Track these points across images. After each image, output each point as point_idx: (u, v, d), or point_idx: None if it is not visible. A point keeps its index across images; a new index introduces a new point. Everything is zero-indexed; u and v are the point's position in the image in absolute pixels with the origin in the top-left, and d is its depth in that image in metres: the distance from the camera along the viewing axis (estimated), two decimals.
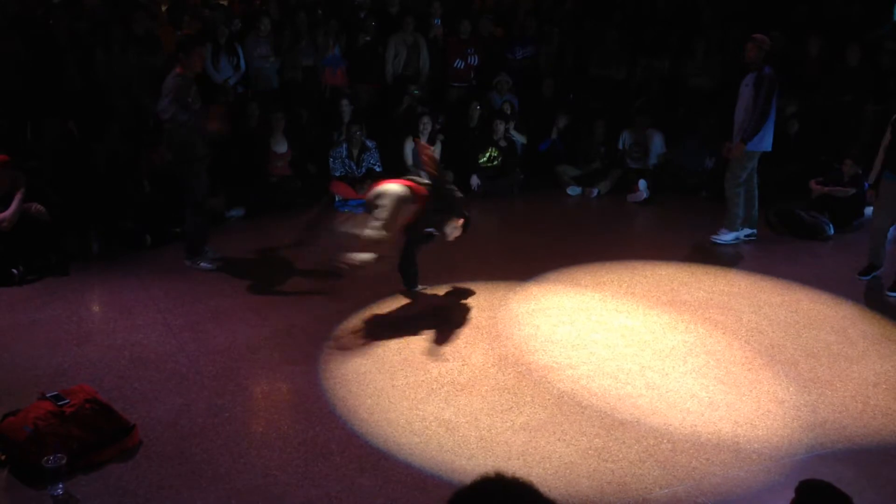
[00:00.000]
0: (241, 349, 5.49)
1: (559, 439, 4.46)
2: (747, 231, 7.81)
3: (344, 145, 9.02)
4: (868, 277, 6.83)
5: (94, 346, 5.53)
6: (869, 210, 8.37)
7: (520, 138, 9.94)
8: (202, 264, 6.98)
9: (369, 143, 9.12)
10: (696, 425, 4.61)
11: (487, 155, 9.55)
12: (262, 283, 6.70)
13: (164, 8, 10.79)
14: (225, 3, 12.68)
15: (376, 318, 6.01)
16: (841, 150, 8.52)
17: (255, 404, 4.88)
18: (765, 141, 7.48)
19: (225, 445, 4.36)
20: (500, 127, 9.56)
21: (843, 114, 9.33)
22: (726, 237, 7.72)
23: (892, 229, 7.07)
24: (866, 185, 7.57)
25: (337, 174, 8.98)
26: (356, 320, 5.97)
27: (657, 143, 9.69)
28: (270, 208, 8.59)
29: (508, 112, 9.84)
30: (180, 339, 5.63)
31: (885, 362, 5.38)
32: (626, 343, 5.62)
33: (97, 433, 4.21)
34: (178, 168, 6.81)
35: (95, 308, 6.36)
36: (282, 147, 8.90)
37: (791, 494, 2.76)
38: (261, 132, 8.90)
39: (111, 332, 5.73)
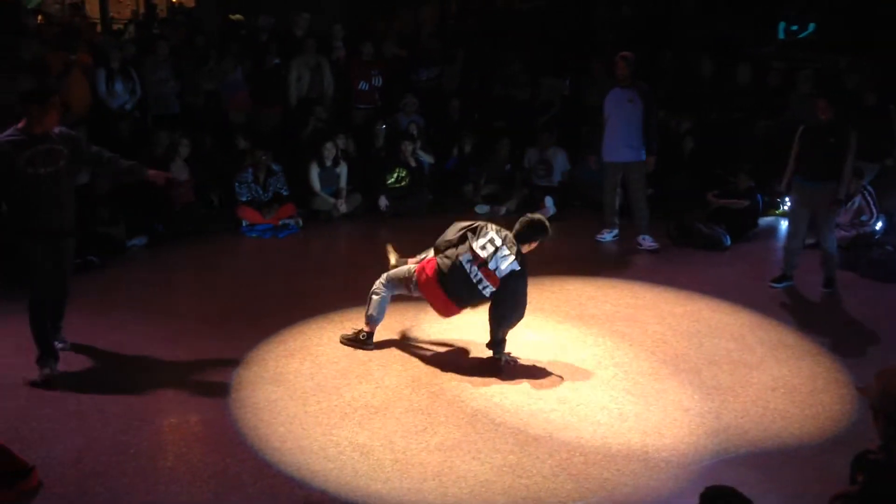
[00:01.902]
0: (147, 381, 5.32)
1: (474, 458, 4.47)
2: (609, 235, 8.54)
3: (249, 170, 8.89)
4: (780, 286, 7.11)
5: None
6: (763, 221, 8.79)
7: (427, 158, 10.00)
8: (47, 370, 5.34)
9: (275, 167, 9.02)
10: (606, 437, 4.70)
11: (395, 175, 9.57)
12: (166, 314, 6.51)
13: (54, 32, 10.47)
14: (122, 26, 12.41)
15: (287, 344, 5.92)
16: (734, 165, 8.89)
17: (162, 438, 4.72)
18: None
19: (131, 483, 4.21)
20: (408, 147, 9.60)
21: (736, 130, 9.74)
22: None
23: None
24: (778, 191, 7.98)
25: (244, 199, 8.85)
26: (266, 347, 5.86)
27: (561, 160, 9.91)
28: (174, 236, 8.39)
29: (415, 133, 9.89)
30: (81, 376, 5.41)
31: (782, 367, 5.61)
32: (536, 359, 5.69)
33: None
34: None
35: None
36: (182, 174, 8.69)
37: (697, 500, 2.84)
38: (164, 159, 8.70)
39: (6, 370, 5.46)
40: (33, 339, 5.34)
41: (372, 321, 5.79)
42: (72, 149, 5.28)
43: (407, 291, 5.75)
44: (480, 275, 5.41)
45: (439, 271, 5.50)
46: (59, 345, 5.59)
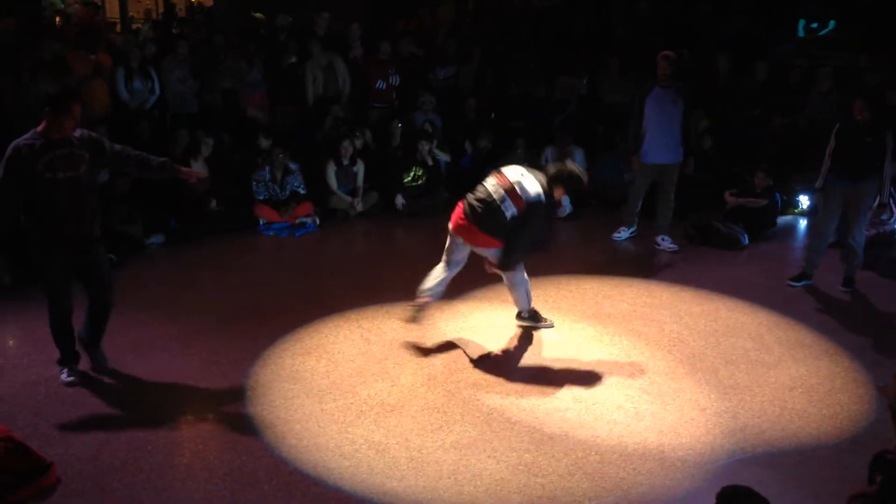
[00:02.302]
0: (165, 378, 5.36)
1: (489, 456, 4.47)
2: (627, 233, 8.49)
3: (267, 168, 8.93)
4: (799, 284, 7.08)
5: (8, 382, 5.33)
6: (781, 220, 8.73)
7: (443, 157, 10.00)
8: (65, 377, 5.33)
9: (293, 166, 9.05)
10: (622, 436, 4.69)
11: (412, 174, 9.57)
12: (183, 312, 6.55)
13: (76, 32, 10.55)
14: (140, 26, 12.50)
15: (303, 342, 5.94)
16: (752, 163, 8.83)
17: (178, 436, 4.75)
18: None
19: (148, 480, 4.24)
20: (425, 146, 9.61)
21: (754, 128, 9.68)
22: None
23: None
24: (797, 190, 7.91)
25: (261, 198, 8.88)
26: (282, 345, 5.89)
27: (578, 159, 9.86)
28: (191, 235, 8.44)
29: (430, 131, 9.90)
30: (98, 373, 5.45)
31: (800, 367, 5.57)
32: (552, 358, 5.68)
33: (12, 473, 4.04)
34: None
35: (9, 342, 6.14)
36: (201, 171, 8.74)
37: (713, 500, 2.83)
38: (184, 157, 8.75)
39: (26, 368, 5.52)
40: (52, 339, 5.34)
41: (432, 296, 5.94)
42: (94, 152, 5.09)
43: (456, 251, 5.94)
44: (504, 194, 5.51)
45: (465, 202, 5.73)
46: (95, 363, 5.47)
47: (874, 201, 6.82)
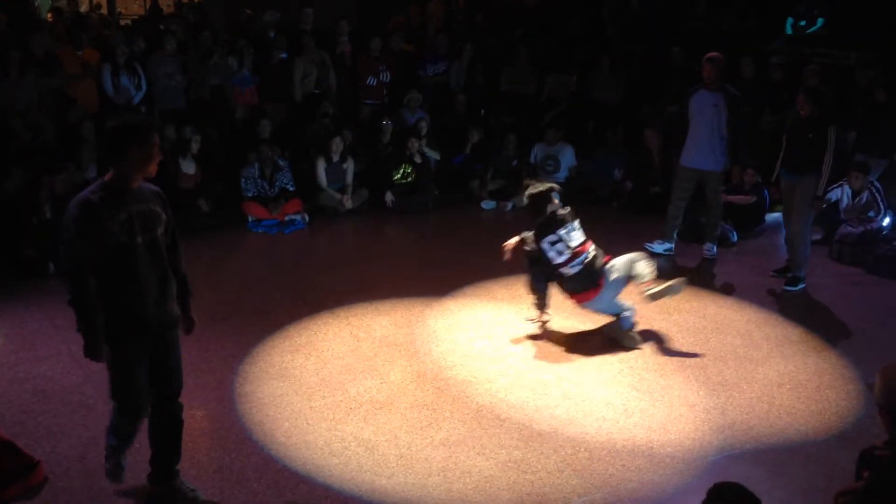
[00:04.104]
0: None
1: (479, 453, 4.47)
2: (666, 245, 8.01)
3: (256, 165, 8.89)
4: (780, 276, 7.16)
5: None
6: (770, 217, 8.75)
7: (433, 154, 9.99)
8: None
9: (281, 163, 9.02)
10: (611, 432, 4.70)
11: (401, 171, 9.56)
12: None
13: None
14: (129, 22, 12.44)
15: (292, 340, 5.92)
16: (741, 160, 8.82)
17: None
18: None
19: (136, 477, 4.21)
20: (414, 143, 9.59)
21: (742, 125, 9.67)
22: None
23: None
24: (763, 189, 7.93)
25: (250, 194, 8.85)
26: (271, 342, 5.87)
27: (568, 156, 9.89)
28: (180, 231, 8.38)
29: (424, 129, 9.88)
30: (86, 370, 5.41)
31: (788, 363, 5.59)
32: (542, 355, 5.69)
33: None
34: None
35: None
36: (190, 168, 8.73)
37: (702, 496, 2.83)
38: (171, 152, 8.72)
39: (13, 365, 5.49)
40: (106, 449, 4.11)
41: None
42: (164, 208, 3.91)
43: None
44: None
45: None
46: (186, 490, 4.11)
47: (815, 195, 6.82)
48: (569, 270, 5.81)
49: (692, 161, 7.58)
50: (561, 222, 5.85)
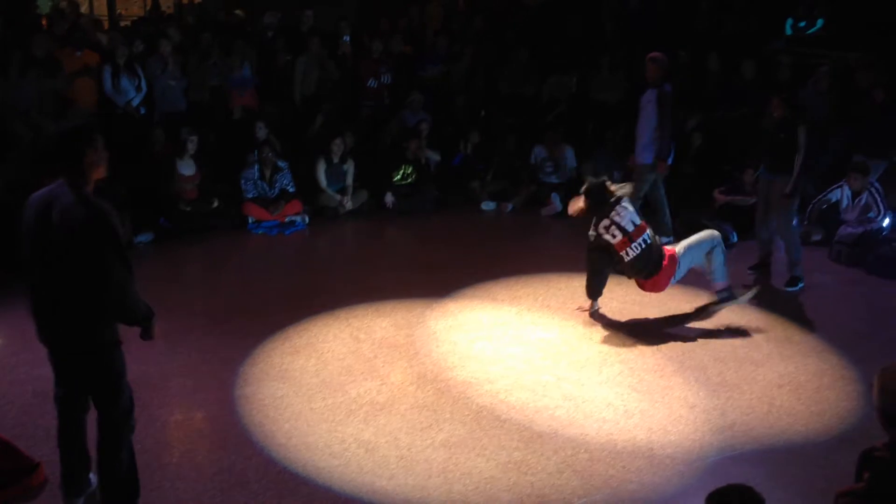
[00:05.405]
0: (152, 378, 5.33)
1: (479, 454, 4.47)
2: (665, 239, 8.02)
3: (256, 166, 8.89)
4: (756, 272, 7.32)
5: None
6: None
7: (433, 155, 9.99)
8: None
9: (281, 164, 9.02)
10: (611, 434, 4.70)
11: (401, 172, 9.56)
12: (172, 310, 6.50)
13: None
14: (129, 24, 12.44)
15: (293, 341, 5.92)
16: (741, 161, 8.85)
17: (167, 435, 4.74)
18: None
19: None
20: (414, 144, 9.60)
21: (742, 125, 9.69)
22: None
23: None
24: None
25: (249, 196, 8.85)
26: (272, 344, 5.87)
27: (568, 157, 9.89)
28: (180, 232, 8.41)
29: (425, 132, 9.88)
30: None
31: (788, 364, 5.59)
32: (542, 356, 5.69)
33: None
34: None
35: None
36: (190, 170, 8.72)
37: (702, 498, 2.83)
38: (168, 154, 8.73)
39: (12, 367, 5.49)
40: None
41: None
42: None
43: None
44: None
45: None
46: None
47: (790, 193, 6.92)
48: (630, 253, 6.03)
49: (636, 155, 7.99)
50: (613, 206, 6.09)
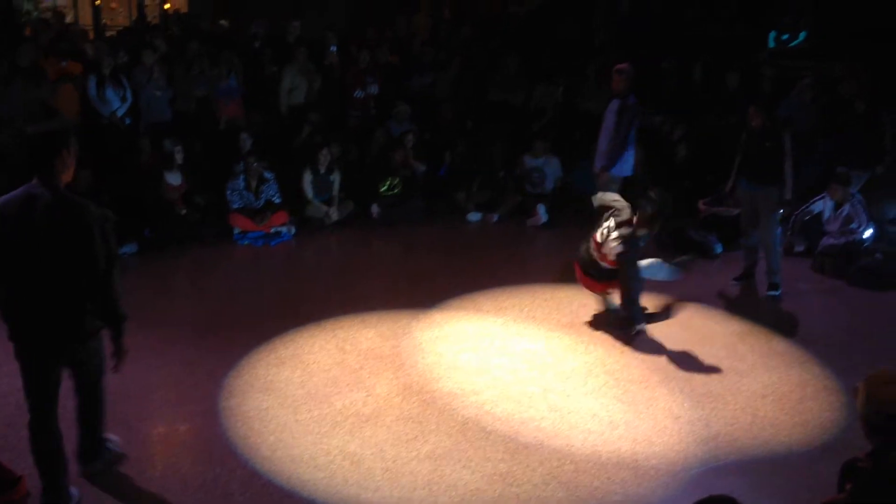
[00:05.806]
0: (137, 390, 5.29)
1: (464, 466, 4.47)
2: None
3: (241, 177, 8.87)
4: (739, 283, 7.38)
5: None
6: None
7: (419, 166, 10.00)
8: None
9: (267, 175, 9.00)
10: (597, 445, 4.71)
11: (388, 183, 9.56)
12: (157, 322, 6.48)
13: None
14: (114, 34, 12.40)
15: (278, 352, 5.90)
16: (727, 171, 8.89)
17: (151, 448, 4.71)
18: (625, 166, 7.99)
19: (118, 492, 4.19)
20: (400, 155, 9.61)
21: (728, 135, 9.75)
22: None
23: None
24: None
25: (235, 206, 8.83)
26: (257, 355, 5.85)
27: (555, 167, 9.92)
28: (165, 243, 8.37)
29: (412, 143, 9.89)
30: (70, 383, 5.38)
31: (772, 374, 5.63)
32: (528, 367, 5.70)
33: None
34: None
35: None
36: (176, 179, 8.70)
37: None
38: (153, 164, 8.70)
39: None
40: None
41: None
42: None
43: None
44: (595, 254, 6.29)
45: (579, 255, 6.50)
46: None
47: (781, 201, 6.99)
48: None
49: (595, 162, 8.14)
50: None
